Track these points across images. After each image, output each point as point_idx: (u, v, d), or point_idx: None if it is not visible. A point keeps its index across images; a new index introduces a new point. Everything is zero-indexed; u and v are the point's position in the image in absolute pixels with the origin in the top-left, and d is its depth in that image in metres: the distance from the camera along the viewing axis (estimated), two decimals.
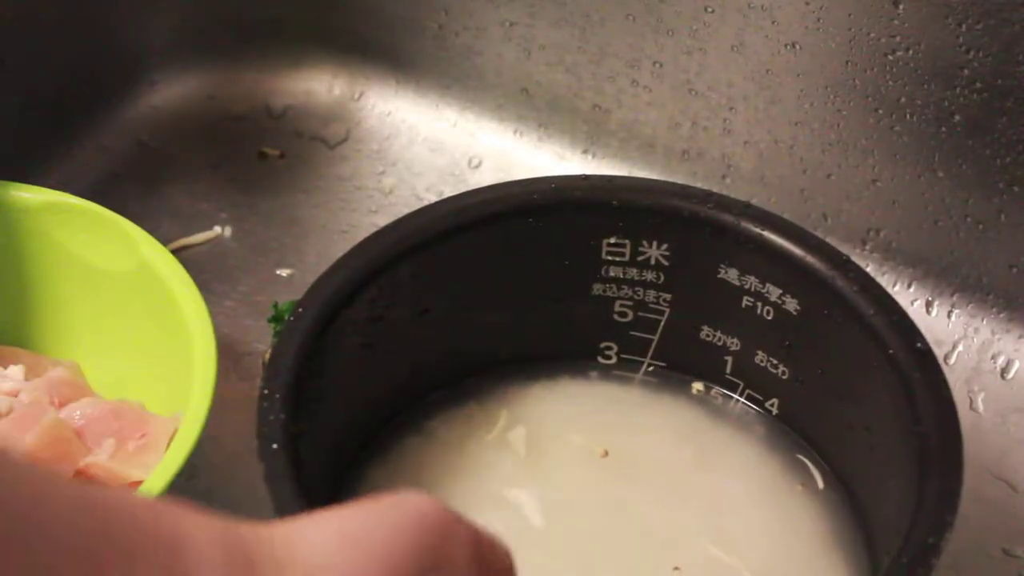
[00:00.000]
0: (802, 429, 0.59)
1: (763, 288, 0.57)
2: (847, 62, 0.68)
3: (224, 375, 0.54)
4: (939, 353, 0.69)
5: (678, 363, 0.61)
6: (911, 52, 0.67)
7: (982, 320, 0.70)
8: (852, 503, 0.57)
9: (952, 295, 0.70)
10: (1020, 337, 0.69)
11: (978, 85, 0.66)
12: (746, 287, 0.57)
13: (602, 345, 0.62)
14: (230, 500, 0.62)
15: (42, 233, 0.62)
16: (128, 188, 0.75)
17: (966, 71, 0.66)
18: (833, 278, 0.55)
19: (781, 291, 0.56)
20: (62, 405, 0.59)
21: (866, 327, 0.53)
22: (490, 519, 0.47)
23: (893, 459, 0.52)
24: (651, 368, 0.62)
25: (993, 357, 0.69)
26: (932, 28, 0.66)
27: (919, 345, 0.52)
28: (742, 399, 0.61)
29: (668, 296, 0.59)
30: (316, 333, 0.54)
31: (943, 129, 0.68)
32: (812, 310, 0.56)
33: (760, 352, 0.59)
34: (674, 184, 0.58)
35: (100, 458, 0.57)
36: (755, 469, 0.59)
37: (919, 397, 0.51)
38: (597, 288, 0.60)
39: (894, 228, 0.71)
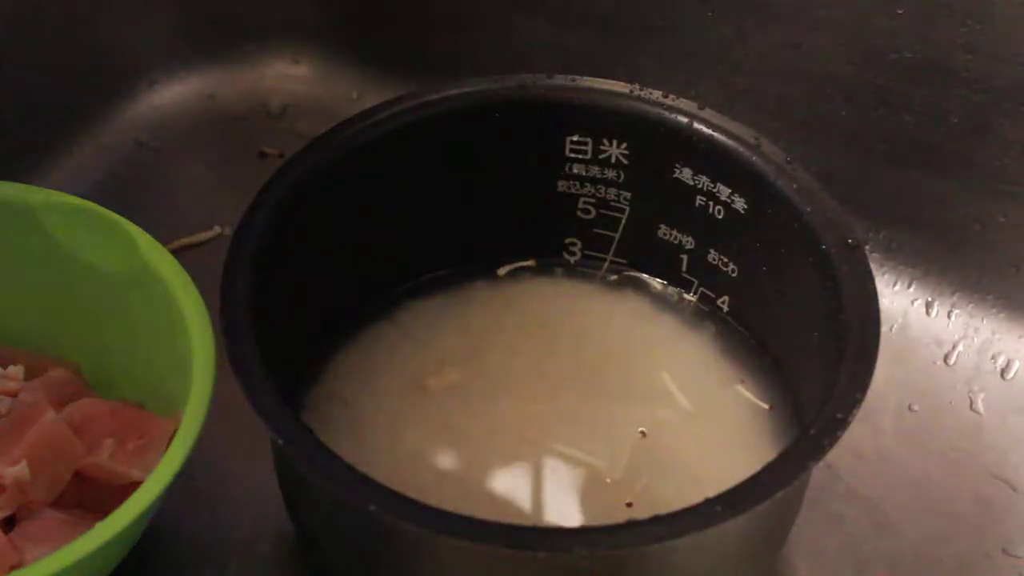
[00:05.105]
0: (748, 325, 0.62)
1: (714, 188, 0.59)
2: (847, 62, 0.68)
3: (224, 375, 0.54)
4: (939, 353, 0.69)
5: (638, 261, 0.64)
6: (911, 52, 0.67)
7: (982, 320, 0.70)
8: (791, 397, 0.60)
9: (952, 295, 0.70)
10: (1020, 337, 0.69)
11: (978, 85, 0.66)
12: (699, 187, 0.60)
13: (566, 241, 0.64)
14: (230, 500, 0.63)
15: (42, 233, 0.62)
16: (128, 188, 0.75)
17: (965, 71, 0.66)
18: (776, 178, 0.57)
19: (731, 191, 0.59)
20: (62, 405, 0.59)
21: (803, 224, 0.56)
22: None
23: (824, 349, 0.55)
24: (612, 265, 0.64)
25: (993, 357, 0.69)
26: (932, 28, 0.66)
27: (850, 241, 0.55)
28: (696, 297, 0.63)
29: (628, 194, 0.62)
30: (284, 211, 0.56)
31: (943, 129, 0.68)
32: (757, 209, 0.58)
33: (712, 250, 0.61)
34: (632, 86, 0.60)
35: (100, 458, 0.56)
36: (701, 363, 0.62)
37: (845, 288, 0.54)
38: (562, 185, 0.62)
39: (894, 228, 0.71)
